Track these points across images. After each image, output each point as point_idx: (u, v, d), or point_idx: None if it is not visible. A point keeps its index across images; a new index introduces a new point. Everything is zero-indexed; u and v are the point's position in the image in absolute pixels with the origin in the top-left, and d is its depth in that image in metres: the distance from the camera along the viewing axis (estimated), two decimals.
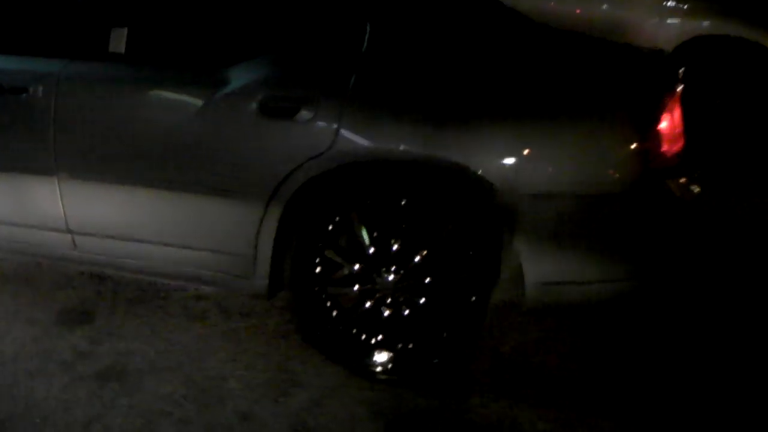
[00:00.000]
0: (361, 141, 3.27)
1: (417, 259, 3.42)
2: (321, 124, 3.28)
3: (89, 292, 4.24)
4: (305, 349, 3.73)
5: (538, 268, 3.30)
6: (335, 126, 3.25)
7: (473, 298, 3.43)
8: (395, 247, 3.42)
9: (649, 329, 3.99)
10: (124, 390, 3.48)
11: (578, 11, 6.89)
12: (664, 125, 3.20)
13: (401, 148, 3.24)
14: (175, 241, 3.60)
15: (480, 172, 3.17)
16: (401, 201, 3.36)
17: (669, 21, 6.62)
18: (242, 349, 3.78)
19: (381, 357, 3.57)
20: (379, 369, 3.57)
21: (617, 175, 3.19)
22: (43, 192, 3.70)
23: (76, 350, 3.75)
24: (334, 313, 3.60)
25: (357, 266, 3.49)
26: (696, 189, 3.39)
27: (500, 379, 3.62)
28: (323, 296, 3.58)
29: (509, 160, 3.17)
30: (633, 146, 3.18)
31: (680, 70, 3.54)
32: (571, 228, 3.23)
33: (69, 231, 3.73)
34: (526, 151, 3.17)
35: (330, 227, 3.45)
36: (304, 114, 3.27)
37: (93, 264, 3.86)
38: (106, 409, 3.36)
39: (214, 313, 4.05)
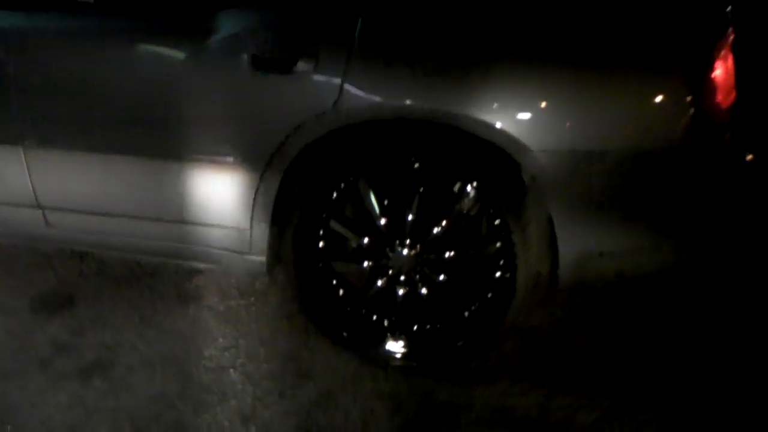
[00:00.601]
0: (369, 97, 2.80)
1: (435, 230, 2.97)
2: (322, 78, 2.80)
3: (70, 273, 3.81)
4: (312, 334, 3.32)
5: (574, 237, 2.86)
6: (338, 80, 2.78)
7: (498, 274, 2.99)
8: (410, 217, 2.98)
9: (691, 307, 3.54)
10: (110, 389, 3.08)
11: None
12: (717, 73, 2.71)
13: (415, 103, 2.77)
14: (160, 214, 3.15)
15: (508, 130, 2.71)
16: (416, 164, 2.91)
17: None
18: (242, 333, 3.36)
19: (396, 342, 3.16)
20: (393, 355, 3.15)
21: (667, 130, 2.72)
22: (7, 163, 3.23)
23: (55, 343, 3.33)
24: (341, 293, 3.17)
25: (366, 239, 3.06)
26: (749, 156, 2.93)
27: (532, 363, 3.21)
28: (328, 273, 3.15)
29: (542, 115, 2.71)
30: (684, 96, 2.70)
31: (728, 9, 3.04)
32: (615, 190, 2.79)
33: (39, 206, 3.28)
34: (562, 105, 2.71)
35: (335, 195, 3.00)
36: (303, 66, 2.80)
37: (70, 243, 3.43)
38: (90, 414, 2.96)
39: (209, 291, 3.63)
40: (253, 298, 3.57)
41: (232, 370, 3.16)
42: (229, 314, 3.48)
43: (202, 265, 3.44)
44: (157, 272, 3.75)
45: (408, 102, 2.77)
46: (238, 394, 3.05)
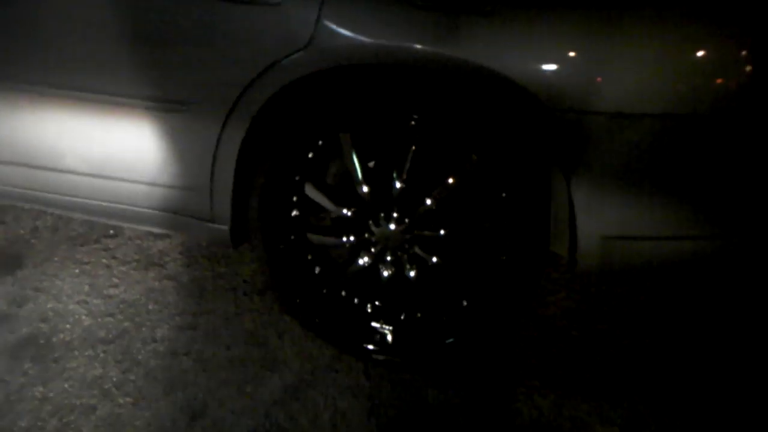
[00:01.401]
0: (350, 34, 2.25)
1: (428, 201, 2.45)
2: (295, 9, 2.27)
3: (23, 229, 3.34)
4: (285, 314, 2.83)
5: (598, 217, 2.33)
6: (315, 12, 2.25)
7: (504, 257, 2.47)
8: (398, 184, 2.46)
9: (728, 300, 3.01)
10: (40, 373, 2.63)
11: None
12: None
13: (408, 44, 2.23)
14: (109, 170, 2.65)
15: (519, 81, 2.18)
16: (409, 120, 2.38)
17: None
18: (204, 310, 2.88)
19: (379, 330, 2.65)
20: (376, 346, 2.65)
21: (717, 92, 2.17)
22: None
23: None
24: (317, 270, 2.67)
25: (346, 210, 2.54)
26: None
27: (542, 360, 2.70)
28: (302, 247, 2.64)
29: (563, 66, 2.17)
30: (739, 51, 2.14)
31: None
32: (650, 162, 2.24)
33: None
34: (588, 54, 2.16)
35: (310, 155, 2.49)
36: None
37: (10, 199, 2.93)
38: (11, 404, 2.51)
39: (174, 258, 3.14)
40: (223, 269, 3.08)
41: (185, 356, 2.69)
42: (193, 286, 3.00)
43: (159, 231, 2.97)
44: (120, 233, 3.27)
45: (396, 42, 2.23)
46: (188, 386, 2.58)
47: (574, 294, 2.99)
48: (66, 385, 2.57)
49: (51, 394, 2.54)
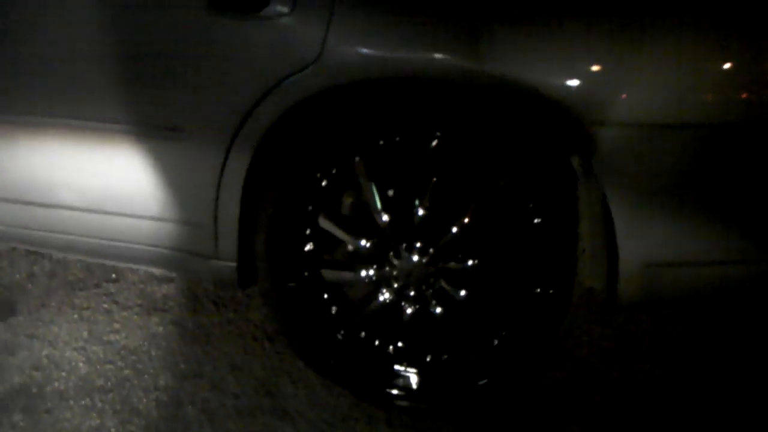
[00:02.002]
0: (364, 48, 2.07)
1: (454, 230, 2.24)
2: (300, 23, 2.08)
3: (18, 274, 3.13)
4: (298, 360, 2.59)
5: (642, 241, 2.10)
6: (324, 26, 2.06)
7: (537, 290, 2.25)
8: (421, 212, 2.25)
9: None
10: (31, 426, 2.40)
11: None
12: None
13: (429, 57, 2.03)
14: (104, 205, 2.45)
15: (549, 93, 1.97)
16: (430, 141, 2.18)
17: None
18: (211, 357, 2.65)
19: (402, 375, 2.42)
20: (399, 392, 2.41)
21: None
22: None
23: None
24: (334, 310, 2.44)
25: (365, 242, 2.33)
26: None
27: (580, 406, 2.45)
28: (316, 285, 2.42)
29: (599, 76, 1.97)
30: None
31: None
32: (696, 177, 2.03)
33: None
34: (627, 63, 1.96)
35: (324, 182, 2.28)
36: (276, 8, 2.09)
37: (2, 239, 2.73)
38: None
39: (179, 303, 2.92)
40: (231, 314, 2.86)
41: (190, 406, 2.46)
42: (199, 332, 2.77)
43: (159, 272, 2.75)
44: (122, 277, 3.06)
45: (415, 56, 2.04)
46: None
47: (609, 332, 2.75)
48: None
49: None
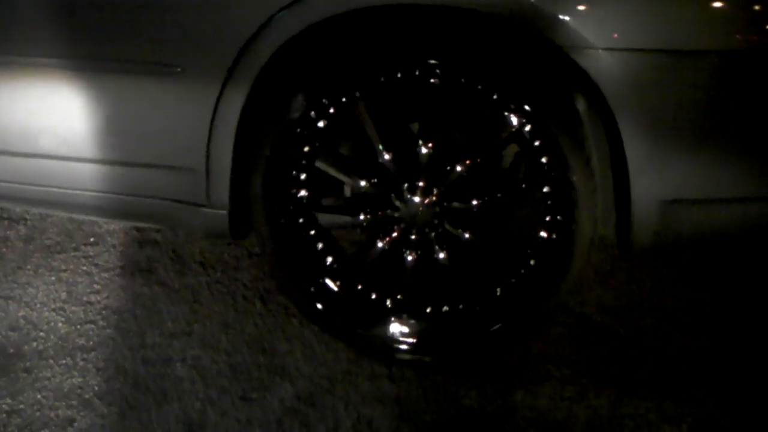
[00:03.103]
0: None
1: (458, 168, 2.13)
2: None
3: None
4: (293, 318, 2.47)
5: (656, 177, 2.00)
6: None
7: (545, 235, 2.13)
8: (424, 150, 2.13)
9: None
10: (8, 384, 2.25)
11: None
12: None
13: None
14: (86, 152, 2.30)
15: (565, 21, 1.87)
16: (432, 75, 2.06)
17: None
18: (200, 316, 2.51)
19: (403, 327, 2.29)
20: (401, 345, 2.29)
21: None
22: None
23: None
24: (329, 260, 2.32)
25: (364, 182, 2.21)
26: None
27: (589, 359, 2.35)
28: (312, 232, 2.29)
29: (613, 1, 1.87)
30: None
31: None
32: (718, 107, 1.94)
33: None
34: None
35: (321, 122, 2.16)
36: None
37: None
38: None
39: (163, 263, 2.77)
40: (219, 274, 2.72)
41: (179, 363, 2.32)
42: (186, 292, 2.63)
43: (144, 225, 2.62)
44: (101, 240, 2.90)
45: None
46: (183, 395, 2.21)
47: (612, 291, 2.65)
48: (39, 396, 2.20)
49: (21, 407, 2.17)
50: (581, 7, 1.88)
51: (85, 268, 2.75)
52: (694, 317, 2.52)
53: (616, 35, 1.88)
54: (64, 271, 2.74)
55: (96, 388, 2.23)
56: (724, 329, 2.47)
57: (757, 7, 1.86)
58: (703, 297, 2.61)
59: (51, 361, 2.33)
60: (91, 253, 2.83)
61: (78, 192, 2.38)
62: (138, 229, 2.91)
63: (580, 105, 2.10)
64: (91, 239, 2.91)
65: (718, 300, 2.60)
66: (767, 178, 2.02)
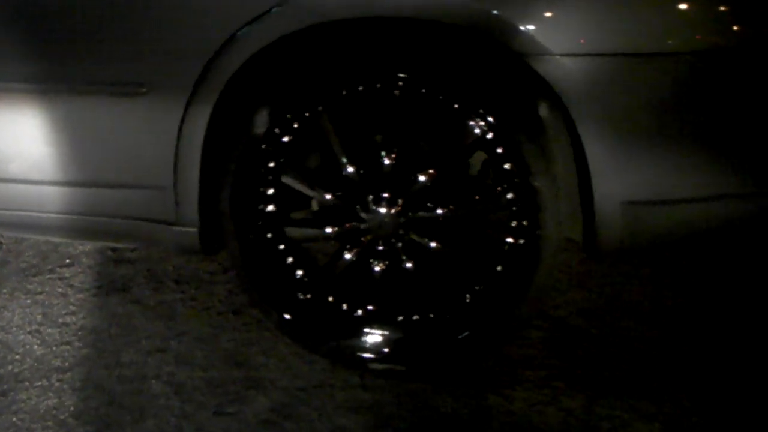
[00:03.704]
0: None
1: (422, 178, 2.15)
2: None
3: None
4: (267, 331, 2.49)
5: (618, 179, 2.02)
6: None
7: (512, 240, 2.16)
8: (387, 161, 2.15)
9: None
10: None
11: None
12: None
13: None
14: (55, 175, 2.31)
15: (523, 29, 1.90)
16: (395, 87, 2.08)
17: None
18: (176, 333, 2.53)
19: (375, 337, 2.31)
20: (373, 355, 2.30)
21: (749, 21, 1.91)
22: None
23: None
24: (299, 274, 2.33)
25: (330, 195, 2.23)
26: None
27: (563, 362, 2.37)
28: (281, 246, 2.31)
29: (570, 8, 1.90)
30: None
31: None
32: (676, 108, 1.96)
33: None
34: None
35: (285, 137, 2.17)
36: None
37: None
38: None
39: (138, 282, 2.79)
40: (194, 290, 2.74)
41: (154, 380, 2.33)
42: (162, 310, 2.64)
43: (118, 245, 2.63)
44: (77, 261, 2.92)
45: None
46: (159, 411, 2.21)
47: (586, 293, 2.68)
48: (14, 419, 2.19)
49: None
50: (537, 15, 1.90)
51: (60, 289, 2.76)
52: (669, 317, 2.55)
53: (572, 41, 1.91)
54: (40, 293, 2.75)
55: (72, 408, 2.23)
56: (698, 328, 2.49)
57: (711, 9, 1.90)
58: (677, 297, 2.64)
59: (27, 384, 2.33)
60: (66, 275, 2.85)
61: (51, 215, 2.38)
62: (113, 249, 2.93)
63: (543, 111, 2.12)
64: (67, 260, 2.92)
65: (691, 299, 2.63)
66: (728, 176, 2.05)
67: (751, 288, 2.67)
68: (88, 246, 2.95)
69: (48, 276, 2.85)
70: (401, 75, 2.07)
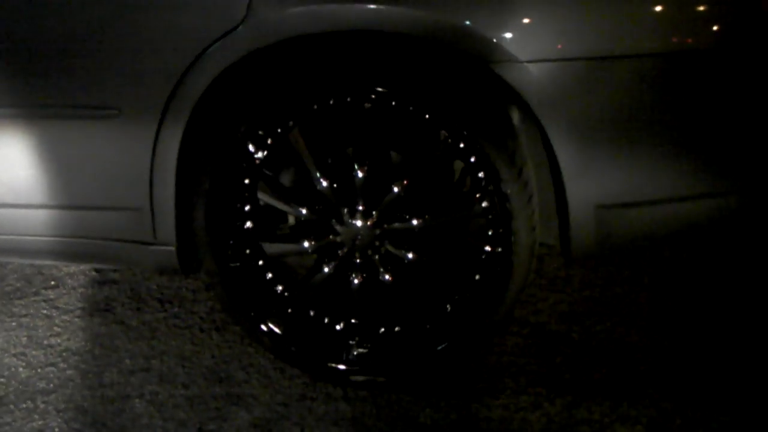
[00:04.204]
0: (292, 3, 1.99)
1: (395, 189, 2.16)
2: None
3: None
4: (248, 347, 2.51)
5: (591, 182, 2.04)
6: None
7: (488, 248, 2.17)
8: (360, 174, 2.17)
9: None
10: None
11: None
12: None
13: (362, 7, 1.97)
14: (36, 198, 2.33)
15: (487, 37, 1.93)
16: (366, 100, 2.10)
17: None
18: (158, 352, 2.54)
19: (355, 350, 2.32)
20: (354, 368, 2.32)
21: (714, 23, 1.93)
22: None
23: None
24: (279, 289, 2.35)
25: (305, 210, 2.24)
26: None
27: (543, 367, 2.38)
28: (260, 262, 2.32)
29: (531, 11, 1.92)
30: None
31: None
32: (644, 110, 1.98)
33: None
34: None
35: (259, 153, 2.19)
36: None
37: None
38: None
39: (121, 302, 2.80)
40: (176, 309, 2.75)
41: (137, 399, 2.35)
42: (144, 329, 2.65)
43: (99, 266, 2.64)
44: (61, 283, 2.93)
45: (349, 7, 1.98)
46: (142, 430, 2.23)
47: (566, 297, 2.69)
48: None
49: None
50: (502, 23, 1.92)
51: (45, 311, 2.78)
52: (649, 320, 2.56)
53: (537, 47, 1.93)
54: (25, 316, 2.76)
55: (56, 429, 2.25)
56: (678, 330, 2.50)
57: (676, 12, 1.91)
58: (657, 300, 2.65)
59: (12, 406, 2.35)
60: (51, 296, 2.86)
61: (30, 238, 2.40)
62: (97, 270, 2.94)
63: (514, 118, 2.14)
64: (51, 282, 2.94)
65: (672, 302, 2.64)
66: (699, 176, 2.07)
67: (732, 289, 2.67)
68: (73, 267, 2.96)
69: (33, 298, 2.86)
70: (371, 88, 2.08)
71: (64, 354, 2.56)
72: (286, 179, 2.29)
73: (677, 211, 2.10)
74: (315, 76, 2.11)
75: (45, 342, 2.62)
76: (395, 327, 2.33)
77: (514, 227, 2.10)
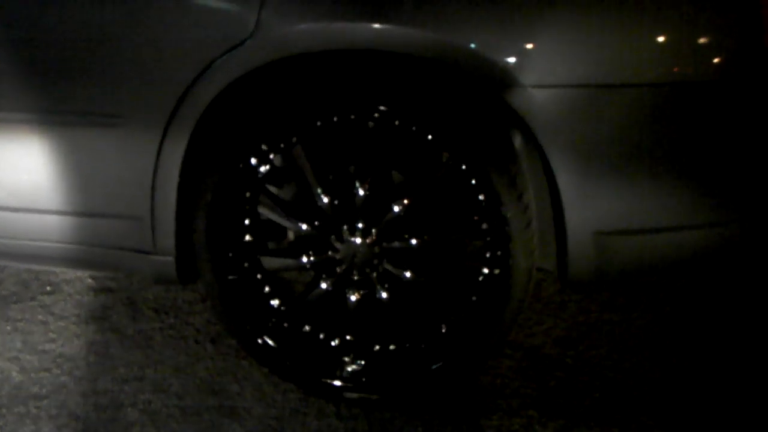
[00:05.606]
0: (300, 20, 2.02)
1: (396, 209, 2.17)
2: None
3: None
4: (243, 360, 2.51)
5: (590, 209, 2.06)
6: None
7: (486, 270, 2.18)
8: (361, 192, 2.18)
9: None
10: None
11: None
12: None
13: (370, 26, 1.99)
14: (36, 203, 2.35)
15: (494, 61, 1.94)
16: (369, 118, 2.12)
17: None
18: (152, 361, 2.54)
19: (350, 366, 2.33)
20: (348, 384, 2.32)
21: (716, 55, 1.95)
22: None
23: None
24: (276, 303, 2.36)
25: (305, 225, 2.25)
26: None
27: (536, 391, 2.39)
28: (258, 276, 2.33)
29: (537, 38, 1.93)
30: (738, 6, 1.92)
31: None
32: (645, 139, 2.00)
33: None
34: (565, 24, 1.94)
35: (261, 168, 2.20)
36: None
37: None
38: None
39: (117, 310, 2.81)
40: (172, 319, 2.75)
41: (130, 407, 2.35)
42: (139, 338, 2.66)
43: (97, 273, 2.65)
44: (58, 289, 2.94)
45: (354, 27, 2.00)
46: None
47: (561, 322, 2.70)
48: None
49: None
50: (507, 46, 1.94)
51: (41, 317, 2.78)
52: (643, 347, 2.57)
53: (542, 73, 1.94)
54: (20, 320, 2.77)
55: None
56: (672, 358, 2.51)
57: (680, 42, 1.93)
58: (651, 326, 2.66)
59: (4, 410, 2.35)
60: (47, 302, 2.86)
61: (30, 243, 2.42)
62: (93, 277, 2.95)
63: (516, 141, 2.15)
64: (48, 288, 2.94)
65: (666, 329, 2.65)
66: (698, 205, 2.08)
67: (728, 317, 2.68)
68: (70, 274, 2.97)
69: (29, 303, 2.86)
70: (375, 107, 2.10)
71: (58, 360, 2.56)
72: (287, 194, 2.30)
73: (676, 239, 2.11)
74: (320, 93, 2.12)
75: (39, 347, 2.62)
76: (390, 345, 2.34)
77: (512, 250, 2.11)
